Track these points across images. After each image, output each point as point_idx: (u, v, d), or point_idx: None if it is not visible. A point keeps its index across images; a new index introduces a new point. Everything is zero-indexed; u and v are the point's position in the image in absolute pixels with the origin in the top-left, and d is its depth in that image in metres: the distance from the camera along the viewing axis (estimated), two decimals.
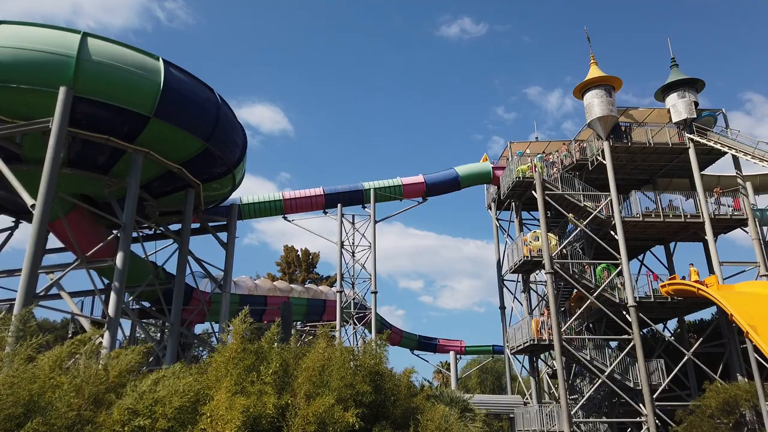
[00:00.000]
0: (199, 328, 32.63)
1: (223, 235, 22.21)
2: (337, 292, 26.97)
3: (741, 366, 23.19)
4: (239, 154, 19.15)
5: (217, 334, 21.66)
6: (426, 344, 40.20)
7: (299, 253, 50.39)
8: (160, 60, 15.79)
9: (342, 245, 27.31)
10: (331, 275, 47.19)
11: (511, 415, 25.27)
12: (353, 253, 27.76)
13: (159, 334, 24.80)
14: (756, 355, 20.26)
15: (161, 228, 20.33)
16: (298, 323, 34.32)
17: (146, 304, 22.50)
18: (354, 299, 27.28)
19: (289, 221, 28.21)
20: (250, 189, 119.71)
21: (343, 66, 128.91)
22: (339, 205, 27.79)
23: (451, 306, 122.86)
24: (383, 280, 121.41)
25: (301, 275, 48.96)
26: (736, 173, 26.01)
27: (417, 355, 40.19)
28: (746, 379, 22.03)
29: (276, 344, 7.74)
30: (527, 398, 27.35)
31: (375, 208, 27.96)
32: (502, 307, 30.46)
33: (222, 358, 7.37)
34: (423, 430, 7.63)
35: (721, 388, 20.51)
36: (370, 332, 26.41)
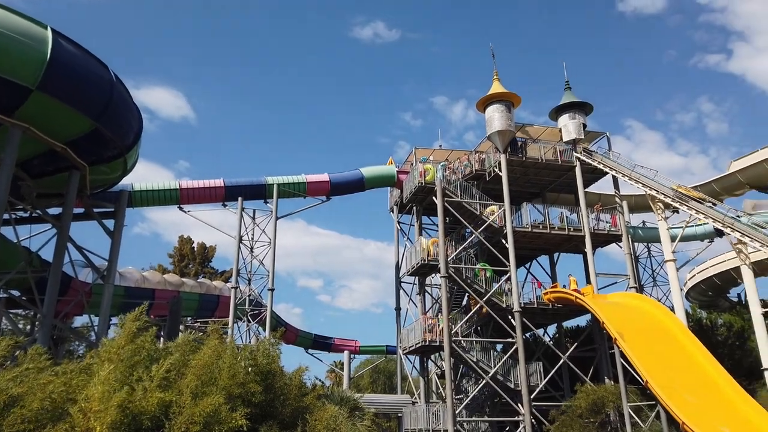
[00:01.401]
0: (78, 321, 30.32)
1: (110, 223, 20.78)
2: (232, 287, 26.17)
3: (609, 369, 25.34)
4: (133, 137, 18.00)
5: (96, 327, 20.18)
6: (321, 343, 40.09)
7: (194, 245, 48.35)
8: (48, 29, 14.48)
9: (240, 240, 26.56)
10: (227, 270, 45.72)
11: (400, 414, 25.85)
12: (252, 248, 27.07)
13: (29, 327, 22.71)
14: (622, 360, 22.19)
15: (38, 211, 18.63)
16: (189, 319, 32.92)
17: (16, 293, 20.52)
18: (249, 296, 26.60)
19: (185, 212, 27.00)
20: (144, 176, 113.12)
21: (254, 57, 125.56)
22: (240, 198, 27.01)
23: (349, 306, 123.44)
24: (282, 278, 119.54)
25: (194, 269, 46.98)
26: (615, 192, 28.41)
27: (311, 354, 40.00)
28: (612, 382, 24.09)
29: (163, 341, 7.40)
30: (416, 398, 28.11)
31: (277, 204, 27.48)
32: (398, 309, 31.11)
33: (106, 354, 6.95)
34: (311, 430, 7.61)
35: (590, 389, 22.27)
36: (265, 330, 25.89)
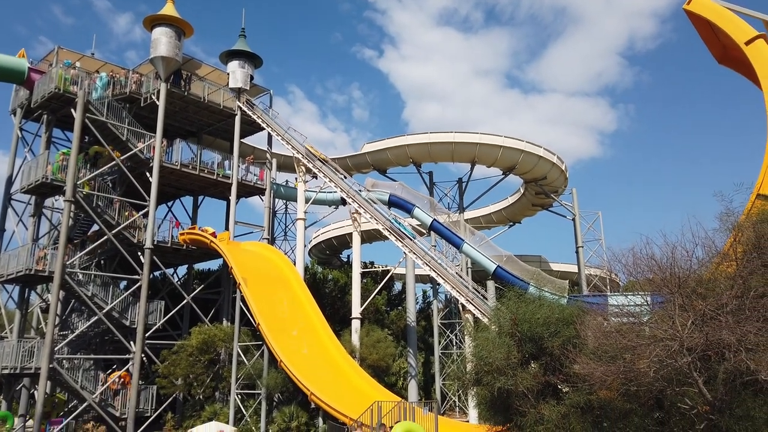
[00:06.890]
0: None
1: None
2: None
3: (229, 312, 26.71)
4: None
5: None
6: None
7: None
8: None
9: None
10: None
11: None
12: None
13: None
14: (242, 303, 23.68)
15: None
16: None
17: None
18: None
19: None
20: None
21: None
22: None
23: None
24: None
25: None
26: (267, 149, 29.87)
27: None
28: (229, 323, 25.50)
29: None
30: (6, 333, 24.37)
31: None
32: (2, 230, 26.23)
33: None
34: None
35: (203, 330, 23.11)
36: None
